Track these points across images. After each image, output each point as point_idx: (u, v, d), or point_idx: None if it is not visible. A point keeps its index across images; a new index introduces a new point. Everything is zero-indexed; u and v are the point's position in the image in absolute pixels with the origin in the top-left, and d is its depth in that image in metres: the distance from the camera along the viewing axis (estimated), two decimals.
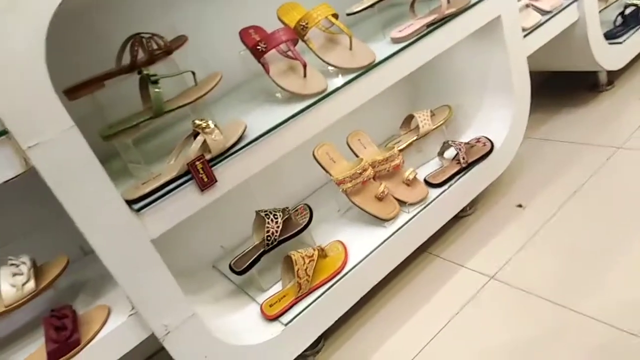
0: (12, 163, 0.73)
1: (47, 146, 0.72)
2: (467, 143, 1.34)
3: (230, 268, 1.08)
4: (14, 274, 0.84)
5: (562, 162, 1.46)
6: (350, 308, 1.10)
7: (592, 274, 1.05)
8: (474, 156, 1.29)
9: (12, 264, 0.86)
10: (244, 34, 1.05)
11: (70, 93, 0.91)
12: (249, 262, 1.07)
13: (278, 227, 1.09)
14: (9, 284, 0.83)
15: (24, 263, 0.86)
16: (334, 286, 1.06)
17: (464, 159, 1.27)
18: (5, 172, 0.72)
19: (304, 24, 1.04)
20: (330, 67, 1.07)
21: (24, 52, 0.69)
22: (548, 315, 1.00)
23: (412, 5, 1.18)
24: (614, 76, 1.74)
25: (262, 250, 1.08)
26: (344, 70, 1.05)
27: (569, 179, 1.37)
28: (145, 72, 0.90)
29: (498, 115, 1.38)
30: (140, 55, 0.97)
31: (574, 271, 1.08)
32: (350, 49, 1.07)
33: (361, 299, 1.12)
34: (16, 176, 0.73)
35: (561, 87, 1.88)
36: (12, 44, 0.68)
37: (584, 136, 1.53)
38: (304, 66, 1.00)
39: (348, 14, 1.21)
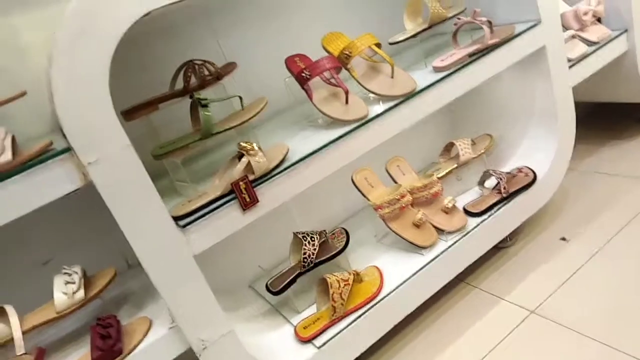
0: (72, 178, 0.78)
1: (105, 163, 0.77)
2: (509, 173, 1.32)
3: (267, 288, 1.10)
4: (67, 283, 0.89)
5: (609, 195, 1.41)
6: (384, 335, 1.09)
7: None
8: (515, 186, 1.27)
9: (65, 273, 0.91)
10: (289, 62, 1.09)
11: (128, 114, 0.97)
12: (285, 283, 1.08)
13: (315, 249, 1.10)
14: (61, 291, 0.88)
15: (76, 272, 0.91)
16: (369, 312, 1.06)
17: (504, 188, 1.25)
18: (66, 186, 0.78)
19: (347, 52, 1.07)
20: (371, 95, 1.10)
21: (90, 75, 0.75)
22: (594, 356, 0.96)
23: (454, 35, 1.20)
24: None
25: (298, 271, 1.10)
26: (384, 98, 1.08)
27: (616, 213, 1.32)
28: (196, 96, 0.96)
29: (541, 145, 1.35)
30: (193, 80, 1.03)
31: (622, 309, 1.03)
32: (392, 77, 1.09)
33: (395, 326, 1.10)
34: (75, 190, 0.79)
35: (609, 118, 1.82)
36: (81, 66, 0.74)
37: (632, 169, 1.48)
38: (346, 93, 1.03)
39: (391, 43, 1.23)
